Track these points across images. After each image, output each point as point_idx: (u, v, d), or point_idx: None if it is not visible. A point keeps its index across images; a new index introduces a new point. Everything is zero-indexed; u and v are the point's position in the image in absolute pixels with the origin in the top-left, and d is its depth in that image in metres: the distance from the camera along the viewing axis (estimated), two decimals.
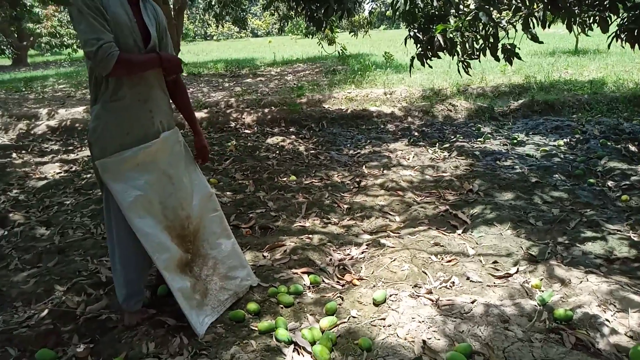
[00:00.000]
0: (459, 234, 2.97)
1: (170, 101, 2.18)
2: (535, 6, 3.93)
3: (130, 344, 1.98)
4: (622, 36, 3.84)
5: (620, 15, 3.88)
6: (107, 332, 2.11)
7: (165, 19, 2.08)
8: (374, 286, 2.39)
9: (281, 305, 2.24)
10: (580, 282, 2.27)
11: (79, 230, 3.28)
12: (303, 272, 2.55)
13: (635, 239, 2.73)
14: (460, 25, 3.90)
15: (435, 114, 6.59)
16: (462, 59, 4.15)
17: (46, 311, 2.26)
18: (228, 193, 3.86)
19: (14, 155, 5.49)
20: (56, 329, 2.13)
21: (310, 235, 3.01)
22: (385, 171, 4.36)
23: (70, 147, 5.83)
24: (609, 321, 1.94)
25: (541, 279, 2.34)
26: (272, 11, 14.49)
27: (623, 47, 4.01)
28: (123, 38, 1.83)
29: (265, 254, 2.81)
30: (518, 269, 2.47)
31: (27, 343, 2.03)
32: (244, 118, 6.59)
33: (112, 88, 1.88)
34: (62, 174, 4.68)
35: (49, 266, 2.78)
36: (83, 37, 1.73)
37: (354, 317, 2.13)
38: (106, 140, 1.91)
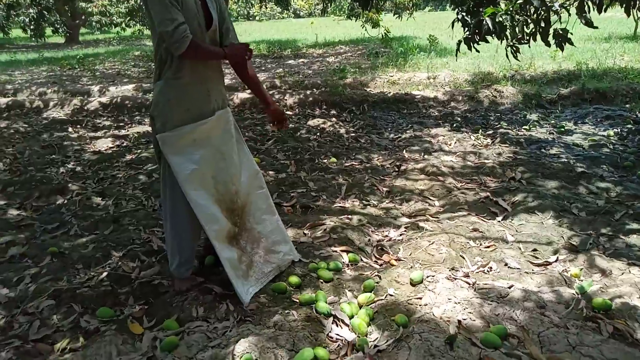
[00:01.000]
0: (499, 221, 2.98)
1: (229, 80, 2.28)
2: None
3: (181, 307, 2.13)
4: None
5: None
6: (160, 296, 2.27)
7: (224, 2, 2.17)
8: (411, 267, 2.45)
9: (321, 280, 2.34)
10: (622, 273, 2.25)
11: (131, 201, 3.48)
12: (342, 251, 2.64)
13: None
14: (511, 8, 3.81)
15: (479, 99, 6.47)
16: (511, 43, 4.05)
17: (104, 274, 2.45)
18: (271, 172, 3.98)
19: (70, 129, 5.82)
20: (114, 291, 2.31)
21: (350, 216, 3.09)
22: (426, 156, 4.36)
23: (121, 124, 6.11)
24: None
25: (581, 269, 2.33)
26: None
27: None
28: (189, 20, 1.93)
29: (306, 231, 2.91)
30: (558, 257, 2.47)
31: (89, 301, 2.21)
32: (286, 99, 6.69)
33: (175, 66, 2.00)
34: (114, 149, 4.94)
35: (105, 233, 2.98)
36: (158, 17, 1.85)
37: (391, 295, 2.20)
38: (167, 116, 2.04)
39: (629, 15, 3.78)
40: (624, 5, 3.72)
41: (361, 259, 2.58)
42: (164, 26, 1.84)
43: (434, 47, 10.73)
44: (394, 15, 15.20)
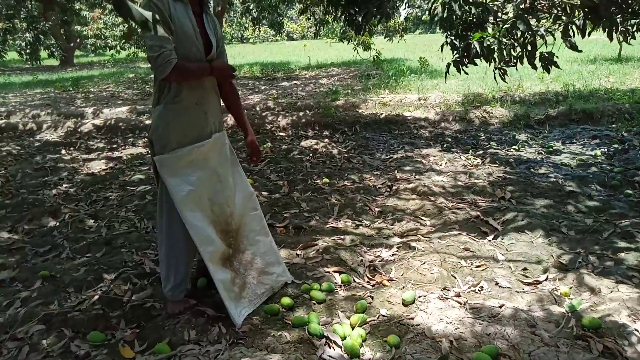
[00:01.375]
0: (489, 240, 3.00)
1: (222, 103, 2.33)
2: (576, 14, 3.89)
3: (173, 330, 2.12)
4: None
5: None
6: (152, 319, 2.26)
7: (221, 28, 2.24)
8: (403, 287, 2.46)
9: (313, 301, 2.34)
10: (611, 291, 2.27)
11: (124, 224, 3.48)
12: (335, 271, 2.65)
13: None
14: (498, 33, 3.91)
15: (469, 120, 6.57)
16: (499, 66, 4.15)
17: (96, 297, 2.43)
18: (264, 193, 4.00)
19: (63, 151, 5.83)
20: (105, 314, 2.30)
21: (342, 236, 3.11)
22: (417, 176, 4.41)
23: (115, 145, 6.13)
24: (638, 330, 1.95)
25: (570, 287, 2.36)
26: (309, 15, 14.67)
27: None
28: (188, 46, 1.98)
29: (299, 252, 2.92)
30: (547, 276, 2.49)
31: (80, 325, 2.20)
32: (279, 121, 6.75)
33: (174, 91, 2.04)
34: (107, 171, 4.94)
35: (97, 256, 2.97)
36: (149, 43, 1.89)
37: (383, 315, 2.21)
38: (166, 139, 2.08)
39: (611, 39, 3.88)
40: (606, 30, 3.83)
41: (354, 280, 2.59)
42: (152, 52, 1.88)
43: (425, 69, 10.92)
44: (385, 38, 15.47)
